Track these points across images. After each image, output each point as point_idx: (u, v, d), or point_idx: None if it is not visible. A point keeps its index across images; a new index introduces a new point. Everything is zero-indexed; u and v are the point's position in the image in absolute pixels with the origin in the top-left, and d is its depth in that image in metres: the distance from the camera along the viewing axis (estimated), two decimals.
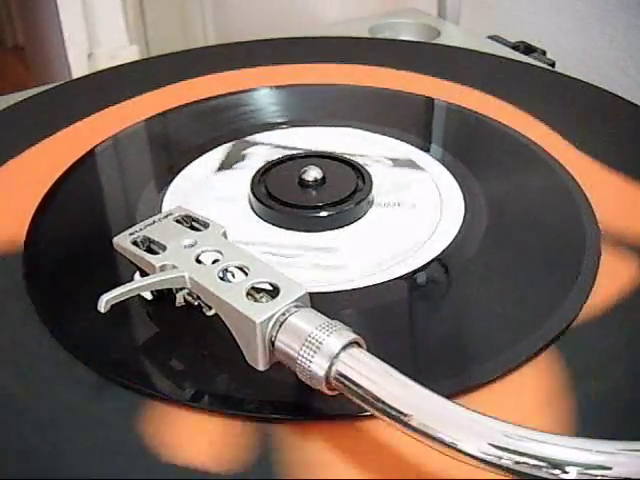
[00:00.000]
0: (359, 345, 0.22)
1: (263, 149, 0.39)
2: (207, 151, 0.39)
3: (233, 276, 0.25)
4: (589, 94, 0.44)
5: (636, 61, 0.58)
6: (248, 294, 0.24)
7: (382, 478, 0.22)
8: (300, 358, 0.22)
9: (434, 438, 0.19)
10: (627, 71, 0.59)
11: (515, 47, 0.54)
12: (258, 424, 0.24)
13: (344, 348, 0.22)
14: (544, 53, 0.55)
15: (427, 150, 0.39)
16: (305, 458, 0.23)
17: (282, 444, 0.23)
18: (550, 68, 0.51)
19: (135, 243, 0.27)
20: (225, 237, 0.27)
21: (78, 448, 0.23)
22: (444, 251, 0.31)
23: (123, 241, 0.27)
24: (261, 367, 0.23)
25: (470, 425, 0.19)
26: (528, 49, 0.54)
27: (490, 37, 0.56)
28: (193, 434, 0.24)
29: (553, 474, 0.18)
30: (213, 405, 0.24)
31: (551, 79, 0.47)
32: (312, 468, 0.22)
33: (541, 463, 0.18)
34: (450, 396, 0.20)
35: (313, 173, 0.34)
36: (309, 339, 0.22)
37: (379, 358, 0.22)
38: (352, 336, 0.22)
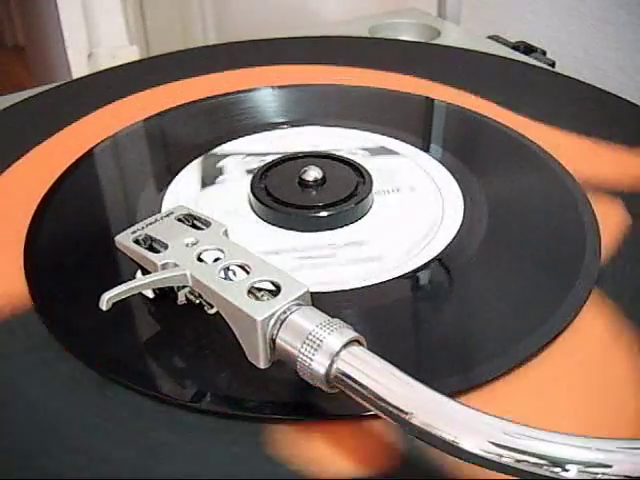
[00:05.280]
0: (360, 343, 0.22)
1: (262, 150, 0.39)
2: (206, 151, 0.39)
3: (234, 274, 0.25)
4: (589, 94, 0.44)
5: (636, 61, 0.58)
6: (249, 292, 0.24)
7: (383, 477, 0.22)
8: (301, 356, 0.22)
9: (435, 436, 0.19)
10: (627, 71, 0.59)
11: (515, 47, 0.55)
12: (258, 424, 0.24)
13: (345, 346, 0.22)
14: (544, 53, 0.55)
15: (427, 150, 0.39)
16: (305, 457, 0.23)
17: (282, 444, 0.23)
18: (550, 68, 0.51)
19: (137, 241, 0.27)
20: (226, 236, 0.27)
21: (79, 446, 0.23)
22: (443, 251, 0.31)
23: (125, 239, 0.27)
24: (262, 365, 0.23)
25: (471, 423, 0.19)
26: (528, 49, 0.54)
27: (490, 37, 0.57)
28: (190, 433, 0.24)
29: (553, 472, 0.18)
30: (213, 405, 0.24)
31: (551, 79, 0.47)
32: (312, 467, 0.22)
33: (541, 461, 0.18)
34: (450, 395, 0.20)
35: (313, 173, 0.34)
36: (310, 337, 0.22)
37: (380, 356, 0.22)
38: (353, 334, 0.22)
